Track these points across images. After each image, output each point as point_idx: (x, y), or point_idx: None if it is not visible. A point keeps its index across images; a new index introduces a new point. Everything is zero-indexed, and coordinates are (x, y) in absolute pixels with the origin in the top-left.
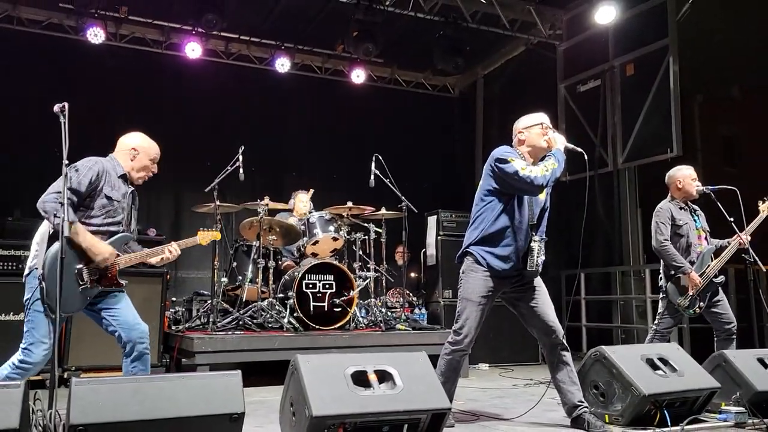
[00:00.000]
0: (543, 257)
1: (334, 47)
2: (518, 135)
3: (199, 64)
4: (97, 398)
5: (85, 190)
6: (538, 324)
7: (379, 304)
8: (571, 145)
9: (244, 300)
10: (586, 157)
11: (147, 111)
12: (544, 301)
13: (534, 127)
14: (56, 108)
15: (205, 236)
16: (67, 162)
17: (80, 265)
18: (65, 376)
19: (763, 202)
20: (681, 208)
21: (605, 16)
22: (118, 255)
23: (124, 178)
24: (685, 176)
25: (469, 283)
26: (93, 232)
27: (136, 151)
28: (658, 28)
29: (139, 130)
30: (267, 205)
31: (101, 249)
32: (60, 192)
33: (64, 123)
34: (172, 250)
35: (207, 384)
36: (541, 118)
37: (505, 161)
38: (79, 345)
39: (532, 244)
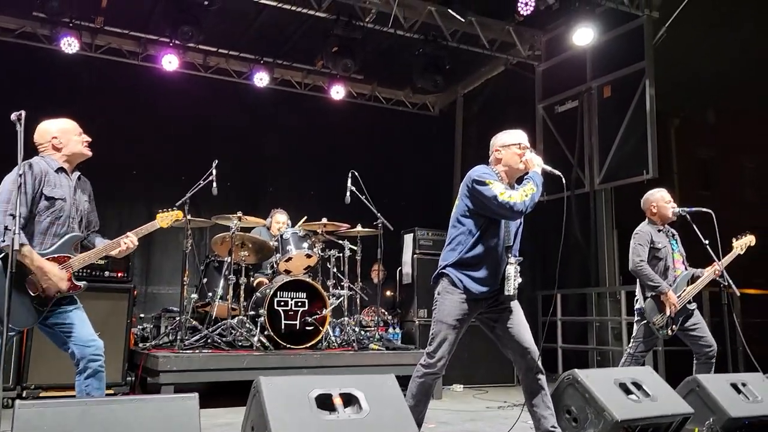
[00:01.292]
0: (519, 280)
1: (313, 63)
2: (495, 153)
3: (176, 77)
4: (42, 422)
5: (29, 206)
6: (513, 346)
7: (353, 322)
8: (549, 168)
9: (213, 317)
10: (564, 181)
11: (122, 123)
12: (519, 323)
13: (512, 146)
14: (13, 116)
15: (164, 218)
16: (21, 172)
17: (30, 276)
18: (24, 395)
19: (737, 239)
20: (659, 231)
21: (583, 38)
22: (68, 258)
23: (62, 170)
24: (658, 199)
25: (444, 305)
26: (43, 234)
27: (56, 138)
28: (634, 51)
29: (115, 142)
30: (239, 219)
31: (50, 273)
32: (3, 210)
33: (20, 131)
34: (128, 242)
35: (162, 408)
36: (520, 137)
37: (483, 183)
38: (40, 363)
39: (508, 267)
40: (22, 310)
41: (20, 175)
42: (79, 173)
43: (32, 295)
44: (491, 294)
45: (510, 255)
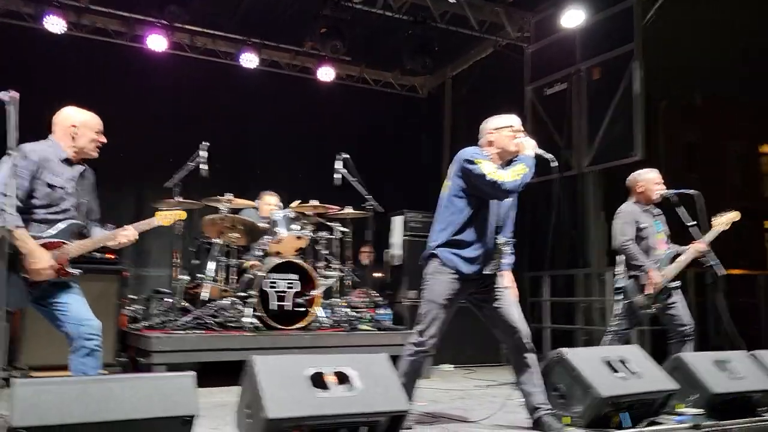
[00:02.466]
0: (509, 259)
1: (301, 44)
2: (487, 136)
3: (163, 58)
4: (41, 400)
5: (26, 189)
6: (502, 325)
7: (343, 304)
8: (540, 151)
9: (204, 298)
10: (556, 164)
11: (109, 104)
12: (509, 302)
13: (504, 129)
14: (3, 95)
15: (165, 216)
16: (14, 162)
17: (23, 257)
18: (18, 375)
19: (719, 217)
20: (644, 211)
21: (573, 19)
22: (65, 244)
23: (68, 161)
24: (648, 180)
25: (434, 285)
26: (39, 222)
27: (75, 128)
28: (624, 33)
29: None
30: (230, 202)
31: (39, 259)
32: (4, 186)
33: (12, 111)
34: (127, 234)
35: (158, 385)
36: (512, 120)
37: (474, 162)
38: (34, 343)
39: (497, 246)
40: (13, 291)
41: (14, 166)
42: (85, 166)
43: (26, 275)
44: (481, 274)
45: (500, 235)
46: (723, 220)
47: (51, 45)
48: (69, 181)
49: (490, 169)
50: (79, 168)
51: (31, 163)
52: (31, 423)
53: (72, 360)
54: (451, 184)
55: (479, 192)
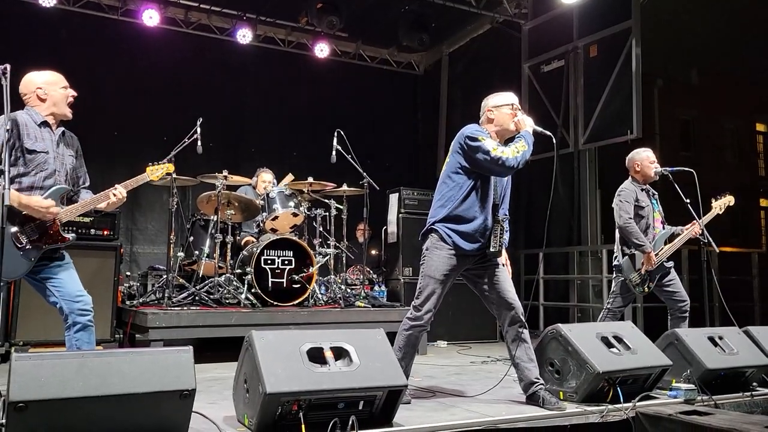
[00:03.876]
0: (506, 237)
1: (297, 20)
2: (487, 113)
3: (156, 33)
4: (40, 374)
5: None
6: (497, 301)
7: (339, 281)
8: (540, 128)
9: (200, 275)
10: (554, 141)
11: (101, 80)
12: (504, 279)
13: (504, 107)
14: None
15: (154, 170)
16: (8, 127)
17: (15, 228)
18: (12, 350)
19: (716, 199)
20: (642, 190)
21: None
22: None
23: (46, 124)
24: (643, 159)
25: (432, 260)
26: (29, 189)
27: (41, 89)
28: (622, 10)
29: (93, 100)
30: (225, 178)
31: (39, 204)
32: None
33: (6, 86)
34: (117, 193)
35: (157, 360)
36: (512, 98)
37: (476, 139)
38: (28, 319)
39: (495, 224)
40: (10, 261)
41: (7, 130)
42: (63, 129)
43: (18, 246)
44: (479, 251)
45: (498, 213)
46: (719, 204)
47: (43, 20)
48: (50, 145)
49: (492, 145)
50: (59, 130)
51: (4, 131)
52: (29, 397)
53: (66, 336)
54: (450, 160)
55: (480, 169)
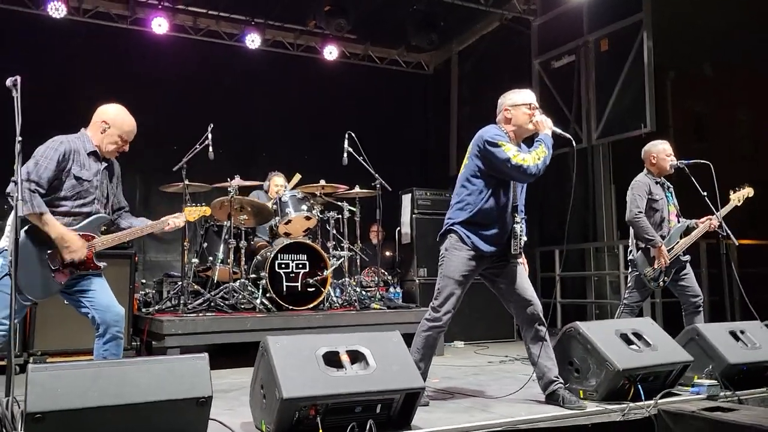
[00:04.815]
0: (525, 238)
1: (305, 23)
2: (504, 112)
3: (166, 41)
4: (56, 384)
5: (51, 177)
6: (516, 299)
7: (354, 283)
8: (558, 130)
9: (215, 281)
10: (574, 144)
11: (111, 89)
12: (522, 277)
13: (522, 106)
14: (8, 82)
15: (192, 212)
16: (20, 138)
17: (51, 251)
18: (31, 361)
19: (735, 192)
20: (657, 183)
21: None
22: (92, 237)
23: (95, 155)
24: (659, 151)
25: (451, 261)
26: (65, 214)
27: (106, 124)
28: (632, 2)
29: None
30: (237, 185)
31: (71, 242)
32: (25, 179)
33: (17, 98)
34: (175, 221)
35: (173, 368)
36: (530, 97)
37: (496, 145)
38: (45, 329)
39: (515, 226)
40: (41, 282)
41: (63, 156)
42: (111, 160)
43: (52, 268)
44: (499, 252)
45: (517, 214)
46: (738, 196)
47: (53, 31)
48: (95, 175)
49: (513, 152)
50: (104, 164)
51: (59, 153)
52: (46, 408)
53: (96, 345)
54: (469, 162)
55: (499, 174)
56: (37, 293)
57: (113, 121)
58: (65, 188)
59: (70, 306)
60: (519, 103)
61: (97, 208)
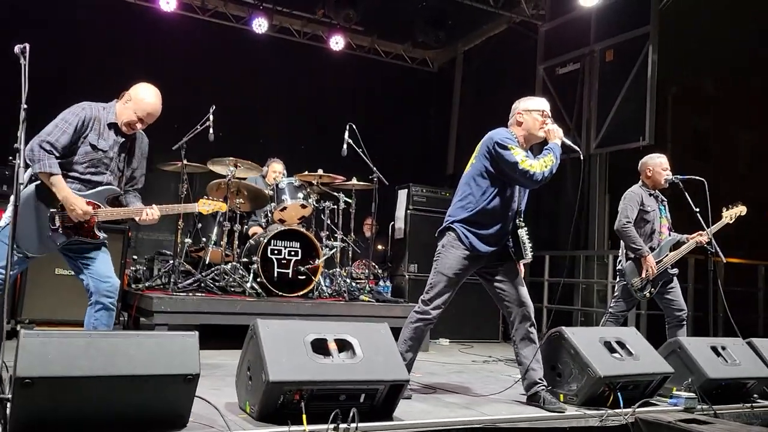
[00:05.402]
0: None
1: (314, 11)
2: (517, 116)
3: (173, 19)
4: (47, 351)
5: (67, 142)
6: (510, 299)
7: (344, 274)
8: (568, 141)
9: (207, 262)
10: (581, 157)
11: (116, 64)
12: (518, 278)
13: (535, 112)
14: (17, 49)
15: (205, 204)
16: (26, 106)
17: (55, 209)
18: (18, 328)
19: (727, 209)
20: (650, 195)
21: None
22: (98, 206)
23: (116, 127)
24: (656, 164)
25: (447, 258)
26: (75, 179)
27: (129, 97)
28: (640, 15)
29: (108, 83)
30: (236, 166)
31: (75, 203)
32: (43, 139)
33: (25, 65)
34: (149, 212)
35: (163, 343)
36: (544, 104)
37: (506, 148)
38: (35, 297)
39: (519, 231)
40: (37, 237)
41: (83, 122)
42: (136, 135)
43: (52, 227)
44: (494, 253)
45: (519, 218)
46: (730, 213)
47: (59, 3)
48: (112, 146)
49: (521, 157)
50: (130, 136)
51: (78, 119)
52: (36, 374)
53: (87, 313)
54: (476, 162)
55: (506, 177)
56: (33, 247)
57: (134, 97)
58: (79, 153)
59: (60, 277)
60: (532, 108)
61: (108, 179)
